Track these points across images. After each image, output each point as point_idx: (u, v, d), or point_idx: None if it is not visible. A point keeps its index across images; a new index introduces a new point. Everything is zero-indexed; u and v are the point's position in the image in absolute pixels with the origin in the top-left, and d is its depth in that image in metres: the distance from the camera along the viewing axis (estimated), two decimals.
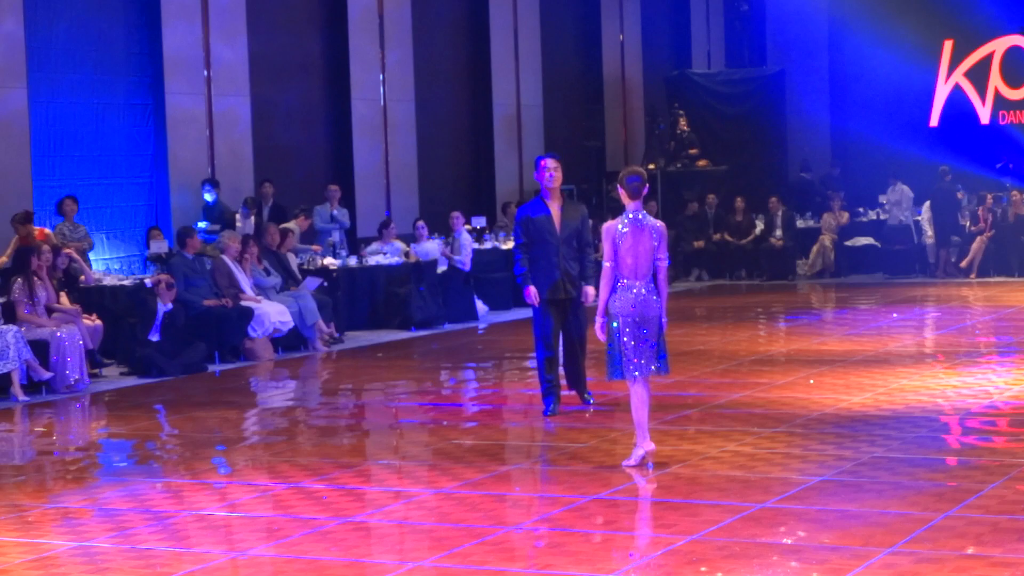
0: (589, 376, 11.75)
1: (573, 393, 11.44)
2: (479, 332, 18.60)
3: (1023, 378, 12.42)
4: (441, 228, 21.04)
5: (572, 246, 10.92)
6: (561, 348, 11.15)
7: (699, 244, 25.77)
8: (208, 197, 18.64)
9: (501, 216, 23.40)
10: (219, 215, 18.56)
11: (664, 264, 8.91)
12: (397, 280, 18.86)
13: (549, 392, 11.18)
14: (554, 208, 10.89)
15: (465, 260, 19.60)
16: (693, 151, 27.68)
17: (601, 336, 8.96)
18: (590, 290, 10.78)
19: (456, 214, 20.09)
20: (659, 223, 9.04)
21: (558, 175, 10.86)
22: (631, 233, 8.88)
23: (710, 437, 10.01)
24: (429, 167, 23.38)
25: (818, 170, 28.00)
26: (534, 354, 11.46)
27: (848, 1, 28.31)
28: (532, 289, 10.91)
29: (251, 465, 9.82)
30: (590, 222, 11.32)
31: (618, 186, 9.03)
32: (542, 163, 10.89)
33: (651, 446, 9.08)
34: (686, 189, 26.89)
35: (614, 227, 8.92)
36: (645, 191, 8.97)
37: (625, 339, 8.85)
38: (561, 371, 11.28)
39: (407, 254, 19.62)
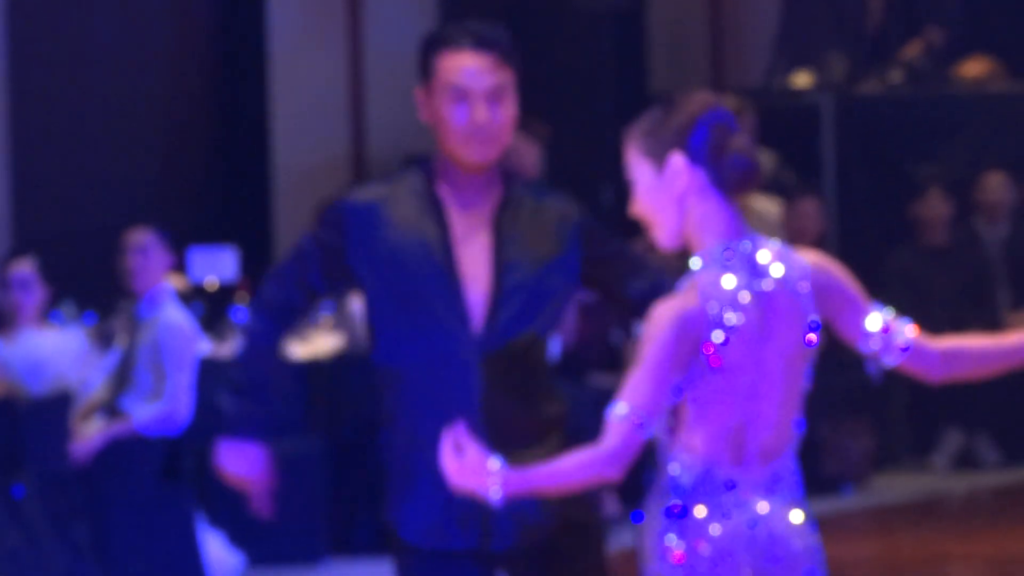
0: None
1: None
2: None
3: None
4: (76, 292, 12.30)
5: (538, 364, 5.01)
6: None
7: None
8: None
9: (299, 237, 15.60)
10: None
11: None
12: None
13: None
14: (465, 230, 4.61)
15: (172, 406, 11.31)
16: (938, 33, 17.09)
17: None
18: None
19: (147, 239, 11.47)
20: (813, 260, 4.22)
21: (506, 110, 4.51)
22: (748, 321, 4.06)
23: None
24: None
25: None
26: None
27: None
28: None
29: None
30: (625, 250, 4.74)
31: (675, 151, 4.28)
32: (452, 62, 4.59)
33: None
34: (923, 154, 16.46)
35: (693, 314, 4.04)
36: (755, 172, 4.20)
37: None
38: None
39: None
